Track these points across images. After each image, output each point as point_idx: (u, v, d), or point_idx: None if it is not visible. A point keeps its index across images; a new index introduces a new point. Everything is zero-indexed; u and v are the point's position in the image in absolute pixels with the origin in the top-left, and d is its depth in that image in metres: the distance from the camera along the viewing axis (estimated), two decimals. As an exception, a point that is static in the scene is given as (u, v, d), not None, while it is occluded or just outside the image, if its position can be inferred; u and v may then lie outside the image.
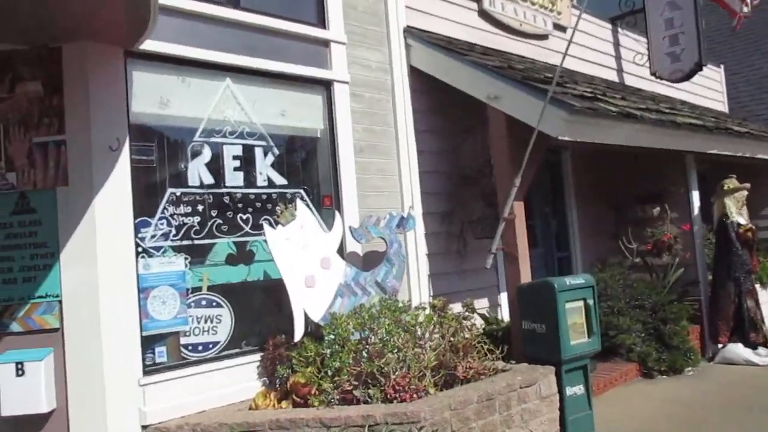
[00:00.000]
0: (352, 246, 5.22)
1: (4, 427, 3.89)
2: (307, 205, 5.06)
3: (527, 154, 4.96)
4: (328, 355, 4.30)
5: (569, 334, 4.82)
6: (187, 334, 4.40)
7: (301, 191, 5.10)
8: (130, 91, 4.24)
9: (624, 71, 9.09)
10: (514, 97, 5.14)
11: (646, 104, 6.42)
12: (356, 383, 4.17)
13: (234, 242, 4.68)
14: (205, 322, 4.50)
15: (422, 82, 5.99)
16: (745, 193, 7.54)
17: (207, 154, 4.60)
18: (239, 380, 4.46)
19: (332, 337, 4.37)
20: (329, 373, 4.23)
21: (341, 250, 5.19)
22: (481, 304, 6.23)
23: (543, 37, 7.66)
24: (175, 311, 4.31)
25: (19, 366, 3.82)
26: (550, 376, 4.69)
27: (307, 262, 4.54)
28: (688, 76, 8.57)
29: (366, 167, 5.55)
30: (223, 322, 4.57)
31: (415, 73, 5.97)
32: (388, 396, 4.10)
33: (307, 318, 4.48)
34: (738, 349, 7.21)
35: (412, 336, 4.47)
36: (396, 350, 4.35)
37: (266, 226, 4.46)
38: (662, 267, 7.85)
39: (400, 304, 4.72)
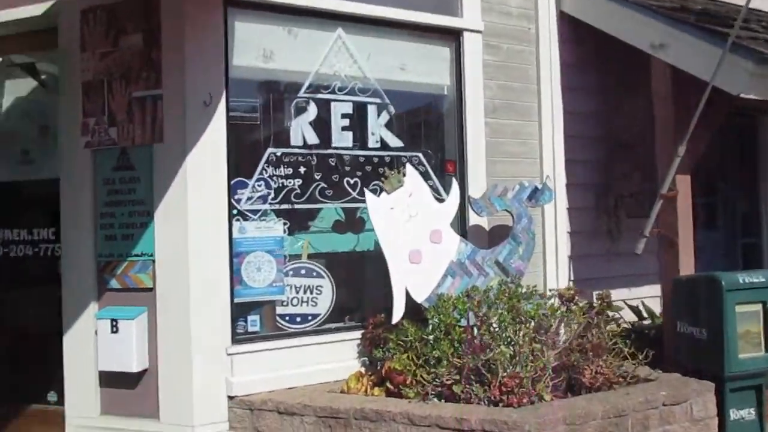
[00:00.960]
0: (476, 219, 4.60)
1: (102, 379, 3.92)
2: (426, 171, 4.53)
3: (696, 116, 3.94)
4: (430, 342, 3.79)
5: (738, 344, 3.82)
6: (284, 303, 4.13)
7: (420, 155, 4.56)
8: (230, 43, 3.96)
9: None
10: (684, 45, 4.11)
11: None
12: (457, 377, 3.61)
13: (342, 208, 4.30)
14: (305, 292, 4.20)
15: (573, 31, 5.09)
16: None
17: (312, 111, 4.22)
18: (336, 358, 4.11)
19: (436, 321, 3.83)
20: (430, 361, 3.71)
21: (463, 224, 4.61)
22: (636, 294, 5.28)
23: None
24: (271, 279, 4.04)
25: (114, 323, 3.80)
26: (707, 394, 3.77)
27: (413, 234, 4.02)
28: None
29: (499, 130, 4.85)
30: (323, 293, 4.24)
31: (565, 20, 5.08)
32: (493, 397, 3.50)
33: (410, 297, 3.99)
34: None
35: (529, 329, 3.79)
36: (509, 344, 3.71)
37: (367, 193, 4.00)
38: None
39: (523, 290, 4.03)
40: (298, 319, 4.17)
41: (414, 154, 4.54)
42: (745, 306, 3.88)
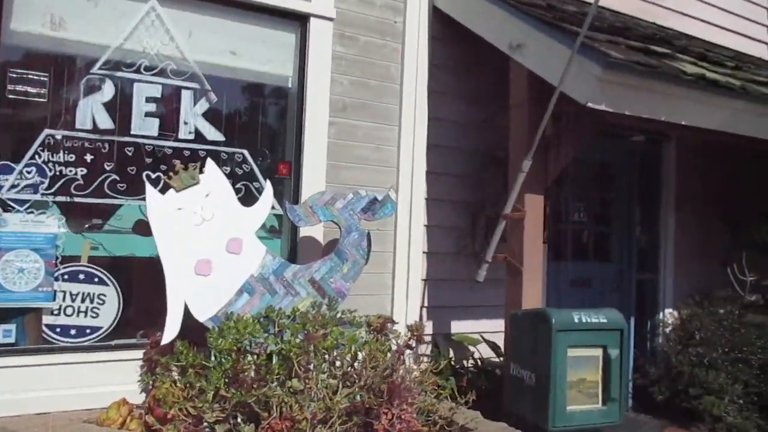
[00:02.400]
0: (308, 231, 4.04)
1: None
2: (251, 171, 3.96)
3: (541, 128, 3.43)
4: (210, 369, 3.18)
5: (567, 394, 3.27)
6: (55, 312, 3.50)
7: (245, 152, 3.99)
8: (7, 4, 3.37)
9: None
10: (540, 46, 3.60)
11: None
12: (222, 416, 3.01)
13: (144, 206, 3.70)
14: (83, 300, 3.57)
15: (447, 30, 4.58)
16: None
17: (108, 91, 3.63)
18: (112, 380, 3.48)
19: (219, 344, 3.23)
20: (196, 393, 3.11)
21: (294, 235, 4.04)
22: (500, 326, 4.73)
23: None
24: (36, 282, 3.42)
25: None
26: (526, 453, 3.22)
27: (205, 241, 3.42)
28: None
29: (349, 131, 4.30)
30: (107, 303, 3.62)
31: (438, 16, 4.56)
32: (262, 441, 2.90)
33: (190, 315, 3.39)
34: None
35: (325, 361, 3.20)
36: (299, 378, 3.12)
37: (148, 186, 3.39)
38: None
39: (338, 314, 3.46)
40: (73, 332, 3.55)
41: (238, 150, 3.96)
42: (581, 350, 3.35)
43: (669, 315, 5.80)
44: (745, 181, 6.01)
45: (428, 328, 4.52)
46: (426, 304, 4.53)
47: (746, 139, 4.14)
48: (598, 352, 3.36)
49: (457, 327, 4.65)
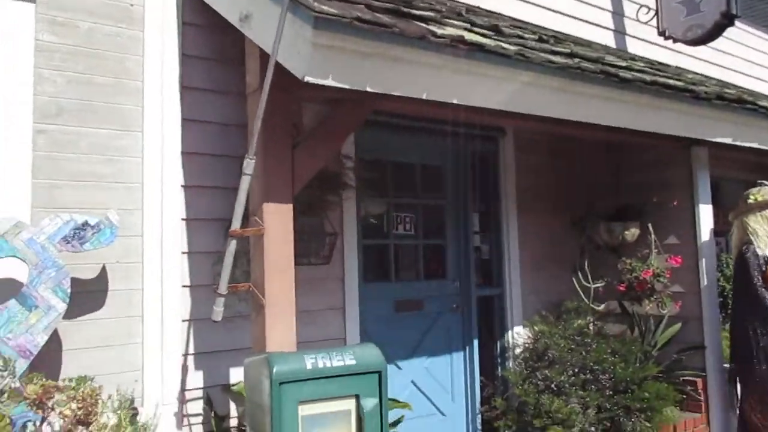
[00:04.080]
0: (13, 266, 3.07)
1: None
2: None
3: (260, 116, 2.63)
4: None
5: (302, 467, 2.42)
6: None
7: None
8: None
9: (627, 34, 6.38)
10: (263, 12, 2.81)
11: (572, 49, 3.71)
12: None
13: None
14: None
15: (201, 13, 3.74)
16: (785, 210, 4.72)
17: None
18: None
19: None
20: None
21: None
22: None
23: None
24: None
25: None
26: None
27: None
28: (710, 36, 5.70)
29: (68, 141, 3.38)
30: None
31: (191, -3, 3.75)
32: None
33: None
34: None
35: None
36: None
37: None
38: (656, 319, 5.14)
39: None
40: None
41: None
42: (322, 404, 2.51)
43: (519, 334, 5.10)
44: (585, 177, 5.47)
45: (197, 380, 3.63)
46: (192, 350, 3.63)
47: (554, 122, 3.49)
48: (350, 404, 2.55)
49: (240, 375, 3.76)
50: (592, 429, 4.39)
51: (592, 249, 5.34)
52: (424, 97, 2.85)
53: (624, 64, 3.90)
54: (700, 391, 4.79)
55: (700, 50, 7.04)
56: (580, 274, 4.97)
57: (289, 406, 2.41)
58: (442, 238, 5.05)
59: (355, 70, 2.62)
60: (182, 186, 3.66)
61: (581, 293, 4.98)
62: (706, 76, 6.61)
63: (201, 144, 3.74)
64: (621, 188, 5.35)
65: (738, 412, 4.75)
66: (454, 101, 2.96)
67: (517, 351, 5.00)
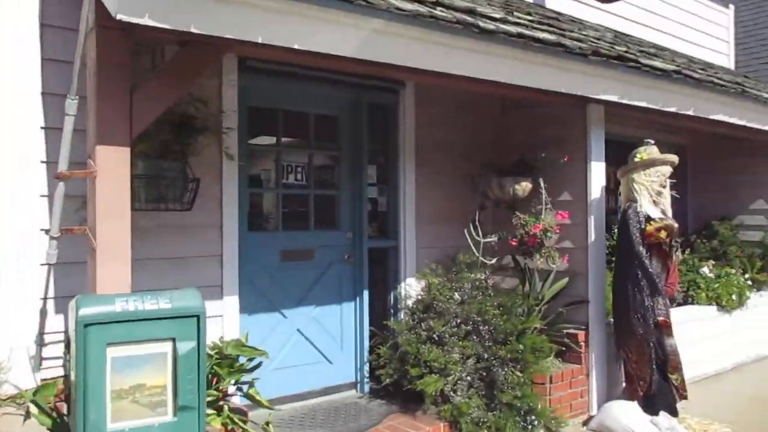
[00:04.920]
0: None
1: None
2: None
3: (78, 52, 2.54)
4: None
5: (108, 407, 2.44)
6: None
7: None
8: None
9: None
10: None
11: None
12: None
13: None
14: None
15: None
16: (669, 169, 4.80)
17: None
18: None
19: None
20: None
21: None
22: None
23: None
24: None
25: None
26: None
27: None
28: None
29: None
30: None
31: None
32: None
33: None
34: (622, 412, 4.60)
35: None
36: None
37: None
38: (545, 273, 5.24)
39: None
40: None
41: None
42: (135, 347, 2.52)
43: (411, 286, 5.16)
44: (485, 133, 5.48)
45: (57, 323, 3.61)
46: (51, 294, 3.59)
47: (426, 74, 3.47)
48: (166, 347, 2.56)
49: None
50: (469, 378, 4.50)
51: (490, 205, 5.39)
52: (259, 41, 2.79)
53: (499, 16, 3.85)
54: (581, 343, 4.93)
55: (623, 8, 7.05)
56: (472, 227, 5.02)
57: (95, 348, 2.41)
58: (335, 189, 5.03)
59: (178, 10, 2.55)
60: (42, 128, 3.56)
61: (473, 247, 5.03)
62: (623, 34, 6.61)
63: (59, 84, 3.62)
64: (518, 144, 5.37)
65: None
66: (295, 46, 2.91)
67: (410, 303, 5.07)
